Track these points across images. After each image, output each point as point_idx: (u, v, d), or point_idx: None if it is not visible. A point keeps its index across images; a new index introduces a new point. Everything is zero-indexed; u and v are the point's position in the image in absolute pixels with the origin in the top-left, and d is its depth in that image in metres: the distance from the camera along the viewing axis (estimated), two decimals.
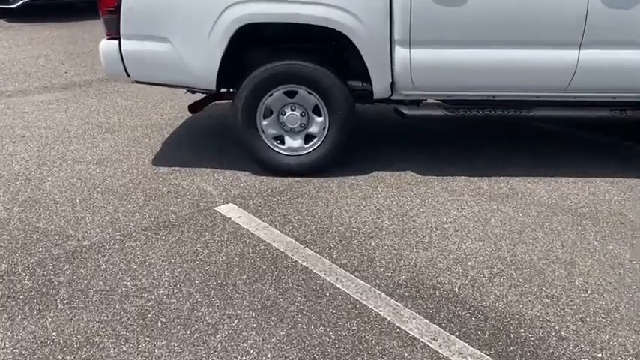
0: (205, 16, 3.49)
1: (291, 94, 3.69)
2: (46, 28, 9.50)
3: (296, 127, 3.75)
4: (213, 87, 3.66)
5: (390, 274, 2.68)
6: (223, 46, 3.51)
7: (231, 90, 4.02)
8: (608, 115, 3.57)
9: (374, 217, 3.24)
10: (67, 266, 2.77)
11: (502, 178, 3.77)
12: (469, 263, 2.76)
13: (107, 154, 4.25)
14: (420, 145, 4.39)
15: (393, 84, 3.63)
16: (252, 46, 3.81)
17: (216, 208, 3.37)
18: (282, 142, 3.80)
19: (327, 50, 3.87)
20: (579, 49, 3.42)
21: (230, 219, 3.24)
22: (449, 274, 2.67)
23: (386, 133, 4.71)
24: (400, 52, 3.52)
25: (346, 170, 3.87)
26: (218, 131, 4.75)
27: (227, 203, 3.44)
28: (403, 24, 3.44)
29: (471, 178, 3.77)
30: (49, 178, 3.81)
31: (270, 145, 3.79)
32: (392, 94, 3.69)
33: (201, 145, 4.43)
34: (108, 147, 4.42)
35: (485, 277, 2.65)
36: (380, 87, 3.62)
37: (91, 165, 4.04)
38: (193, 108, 4.03)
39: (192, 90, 3.84)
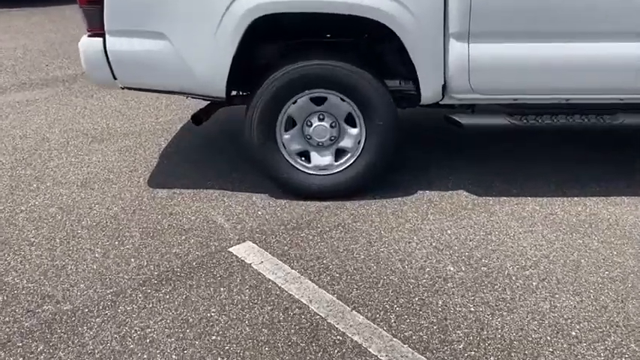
0: (212, 5, 2.76)
1: (318, 100, 2.99)
2: (23, 14, 8.67)
3: (325, 140, 3.05)
4: (223, 94, 2.95)
5: (473, 353, 2.01)
6: (235, 43, 2.80)
7: (241, 93, 3.31)
8: None
9: (432, 261, 2.57)
10: (41, 347, 2.09)
11: (576, 199, 3.10)
12: (572, 333, 2.10)
13: (94, 172, 3.55)
14: (466, 153, 3.70)
15: (444, 86, 2.92)
16: (265, 41, 3.09)
17: (230, 249, 2.69)
18: (308, 159, 3.11)
19: (359, 45, 3.16)
20: None
21: (250, 265, 2.56)
22: (551, 352, 2.01)
23: (423, 137, 4.01)
24: (456, 47, 2.82)
25: (384, 189, 3.19)
26: (225, 138, 4.04)
27: (244, 241, 2.76)
28: (461, 12, 2.73)
29: (538, 198, 3.10)
30: (23, 208, 3.11)
31: (292, 162, 3.09)
32: (442, 98, 2.99)
33: (206, 158, 3.73)
34: (95, 162, 3.71)
35: (600, 355, 1.99)
36: (429, 89, 2.92)
37: (74, 187, 3.34)
38: (197, 119, 3.32)
39: (195, 97, 3.11)
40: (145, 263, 2.59)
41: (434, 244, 2.70)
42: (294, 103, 2.97)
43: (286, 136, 3.05)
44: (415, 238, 2.76)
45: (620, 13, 2.71)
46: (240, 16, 2.73)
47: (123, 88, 3.09)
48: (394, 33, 2.80)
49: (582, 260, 2.54)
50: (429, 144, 3.89)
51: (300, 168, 3.10)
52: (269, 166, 3.08)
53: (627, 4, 2.68)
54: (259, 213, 3.03)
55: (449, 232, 2.80)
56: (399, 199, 3.14)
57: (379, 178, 3.15)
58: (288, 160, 3.09)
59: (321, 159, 3.09)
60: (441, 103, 3.05)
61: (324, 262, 2.58)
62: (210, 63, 2.86)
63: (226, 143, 3.94)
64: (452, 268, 2.50)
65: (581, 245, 2.66)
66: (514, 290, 2.34)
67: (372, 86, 2.89)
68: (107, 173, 3.53)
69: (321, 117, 3.02)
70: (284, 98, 2.94)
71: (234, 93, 3.26)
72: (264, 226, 2.90)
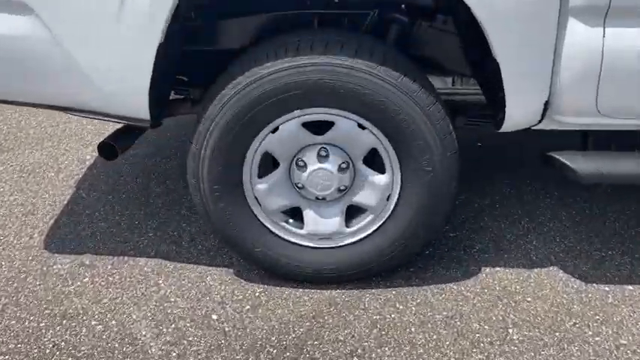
0: None
1: (318, 127, 1.66)
2: None
3: (330, 193, 1.73)
4: (145, 114, 1.62)
5: None
6: (159, 27, 1.45)
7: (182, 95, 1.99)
8: None
9: None
10: None
11: None
12: None
13: None
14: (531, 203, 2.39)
15: (547, 102, 1.60)
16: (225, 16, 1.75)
17: None
18: (300, 220, 1.81)
19: (385, 25, 1.81)
20: None
21: None
22: None
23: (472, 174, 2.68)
24: (580, 33, 1.48)
25: (418, 267, 1.91)
26: (166, 156, 2.72)
27: None
28: None
29: None
30: None
31: (273, 227, 1.80)
32: (539, 122, 1.67)
33: (147, 189, 2.44)
34: None
35: None
36: (521, 107, 1.61)
37: None
38: (108, 150, 1.91)
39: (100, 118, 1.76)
40: None
41: None
42: (273, 131, 1.65)
43: (261, 186, 1.74)
44: None
45: None
46: None
47: None
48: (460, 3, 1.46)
49: None
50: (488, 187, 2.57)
51: (287, 237, 1.81)
52: (233, 236, 1.78)
53: None
54: (213, 320, 1.76)
55: None
56: (454, 284, 1.86)
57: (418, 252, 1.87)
58: (264, 225, 1.79)
59: (322, 222, 1.78)
60: (532, 128, 1.72)
61: None
62: (115, 62, 1.53)
63: (169, 170, 2.62)
64: None
65: None
66: None
67: (415, 103, 1.56)
68: None
69: (323, 153, 1.70)
70: (256, 123, 1.62)
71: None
72: (218, 350, 1.63)
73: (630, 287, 1.85)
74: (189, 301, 1.83)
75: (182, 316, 1.77)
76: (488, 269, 1.95)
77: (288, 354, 1.62)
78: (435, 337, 1.67)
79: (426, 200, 1.69)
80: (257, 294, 1.85)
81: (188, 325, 1.73)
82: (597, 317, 1.73)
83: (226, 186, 1.70)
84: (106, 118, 1.70)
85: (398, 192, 1.71)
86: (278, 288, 1.87)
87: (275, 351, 1.63)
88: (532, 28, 1.48)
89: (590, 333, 1.67)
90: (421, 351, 1.62)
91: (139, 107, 1.59)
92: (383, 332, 1.69)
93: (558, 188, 2.39)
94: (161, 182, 2.52)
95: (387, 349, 1.63)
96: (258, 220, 1.78)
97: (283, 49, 1.54)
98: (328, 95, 1.55)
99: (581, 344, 1.63)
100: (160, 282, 1.92)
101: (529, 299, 1.81)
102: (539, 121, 1.67)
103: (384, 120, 1.58)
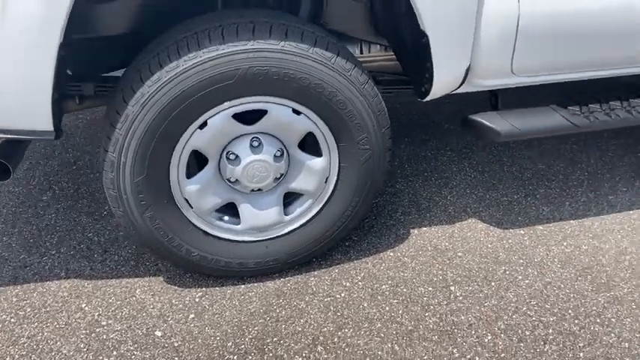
0: None
1: (249, 116, 1.55)
2: None
3: (267, 183, 1.65)
4: (49, 126, 1.38)
5: None
6: (62, 12, 1.22)
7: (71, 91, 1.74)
8: None
9: None
10: None
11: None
12: None
13: None
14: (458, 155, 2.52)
15: (468, 67, 1.65)
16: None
17: None
18: (236, 216, 1.70)
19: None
20: None
21: None
22: None
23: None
24: (496, 1, 1.53)
25: (368, 231, 1.93)
26: (36, 159, 2.40)
27: None
28: None
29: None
30: None
31: (208, 229, 1.67)
32: (461, 85, 1.72)
33: (24, 205, 2.13)
34: None
35: None
36: (448, 76, 1.63)
37: None
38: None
39: None
40: None
41: None
42: (201, 127, 1.50)
43: (191, 187, 1.59)
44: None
45: None
46: None
47: None
48: None
49: None
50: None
51: (224, 235, 1.70)
52: (165, 246, 1.63)
53: None
54: (157, 337, 1.61)
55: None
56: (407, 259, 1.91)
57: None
58: (199, 227, 1.66)
59: (259, 214, 1.69)
60: (453, 93, 1.77)
61: None
62: (9, 73, 1.26)
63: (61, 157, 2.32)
64: None
65: None
66: None
67: (350, 82, 1.51)
68: None
69: (255, 143, 1.59)
70: (182, 121, 1.45)
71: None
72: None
73: (540, 227, 2.05)
74: (123, 321, 1.66)
75: (121, 339, 1.60)
76: (416, 231, 2.03)
77: (250, 357, 1.55)
78: (387, 308, 1.71)
79: (364, 178, 1.68)
80: (197, 299, 1.74)
81: (132, 348, 1.57)
82: (521, 261, 1.89)
83: (153, 193, 1.54)
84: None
85: (336, 174, 1.67)
86: (219, 288, 1.77)
87: (235, 357, 1.56)
88: (457, 1, 1.49)
89: (520, 277, 1.82)
90: (379, 325, 1.65)
91: (42, 119, 1.35)
92: (338, 313, 1.69)
93: (456, 142, 2.53)
94: (45, 189, 2.22)
95: (346, 330, 1.63)
96: (192, 223, 1.64)
97: (205, 36, 1.39)
98: (260, 83, 1.44)
99: (516, 289, 1.78)
100: (83, 306, 1.71)
101: (460, 254, 1.92)
102: (459, 86, 1.72)
103: (321, 103, 1.52)
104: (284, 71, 1.43)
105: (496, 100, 1.86)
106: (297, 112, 1.55)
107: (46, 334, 1.62)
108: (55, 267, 1.85)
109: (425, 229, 2.04)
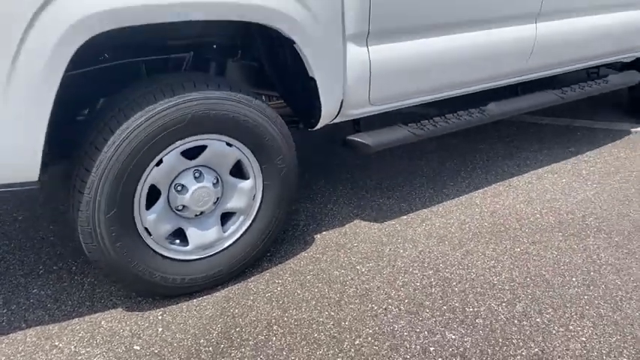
0: None
1: (192, 152, 1.96)
2: None
3: (209, 206, 2.05)
4: (34, 176, 1.65)
5: None
6: (51, 85, 1.55)
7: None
8: (556, 97, 3.02)
9: None
10: None
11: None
12: None
13: None
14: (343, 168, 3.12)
15: (342, 101, 2.28)
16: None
17: None
18: (184, 240, 2.07)
19: (218, 59, 2.22)
20: (536, 22, 2.71)
21: None
22: None
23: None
24: (355, 53, 2.19)
25: (283, 244, 2.39)
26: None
27: None
28: (359, 7, 2.10)
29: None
30: None
31: (164, 252, 2.01)
32: (337, 115, 2.34)
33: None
34: None
35: None
36: (330, 106, 2.23)
37: None
38: None
39: None
40: None
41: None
42: (157, 164, 1.88)
43: (151, 217, 1.93)
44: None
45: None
46: (60, 35, 1.50)
47: None
48: (280, 40, 1.99)
49: None
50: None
51: (177, 256, 2.04)
52: (134, 272, 1.92)
53: None
54: (137, 349, 1.87)
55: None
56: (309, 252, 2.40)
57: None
58: (157, 252, 1.99)
59: (203, 235, 2.08)
60: (331, 123, 2.38)
61: None
62: (2, 132, 1.54)
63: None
64: None
65: None
66: None
67: (265, 117, 2.03)
68: None
69: (196, 174, 2.00)
70: (144, 160, 1.82)
71: None
72: None
73: (404, 216, 2.71)
74: (101, 346, 1.88)
75: (106, 359, 1.83)
76: (318, 235, 2.54)
77: (222, 346, 1.90)
78: (315, 290, 2.17)
79: (282, 192, 2.17)
80: (160, 317, 2.02)
81: None
82: (399, 240, 2.51)
83: (121, 225, 1.85)
84: None
85: (261, 191, 2.14)
86: (174, 305, 2.08)
87: (211, 348, 1.89)
88: (331, 55, 2.11)
89: (401, 251, 2.44)
90: (314, 302, 2.10)
91: (30, 170, 1.62)
92: (280, 301, 2.11)
93: (327, 161, 3.15)
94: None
95: (291, 311, 2.06)
96: (151, 248, 1.96)
97: (160, 91, 1.80)
98: (205, 123, 1.88)
99: (401, 259, 2.37)
100: (57, 343, 1.89)
101: (355, 244, 2.48)
102: (336, 117, 2.33)
103: (248, 135, 2.00)
104: (222, 112, 1.89)
105: (358, 125, 2.51)
106: (229, 144, 2.00)
107: None
108: (13, 321, 1.99)
109: (324, 232, 2.57)
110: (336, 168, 3.21)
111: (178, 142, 1.87)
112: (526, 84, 3.04)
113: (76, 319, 2.01)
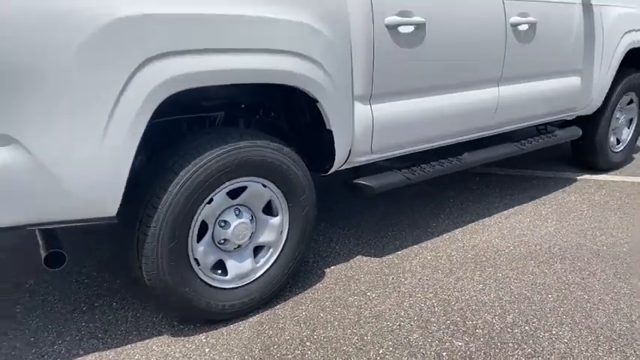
0: (97, 86, 1.78)
1: (234, 192, 2.30)
2: None
3: (245, 240, 2.38)
4: (114, 211, 1.95)
5: None
6: (138, 133, 1.89)
7: None
8: (517, 149, 3.55)
9: None
10: None
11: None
12: None
13: None
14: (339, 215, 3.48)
15: (350, 150, 2.69)
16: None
17: None
18: (224, 271, 2.36)
19: (259, 116, 2.64)
20: (498, 86, 3.27)
21: None
22: None
23: None
24: (361, 110, 2.63)
25: (307, 275, 2.70)
26: None
27: None
28: (365, 73, 2.56)
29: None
30: None
31: (210, 281, 2.30)
32: (345, 163, 2.75)
33: None
34: None
35: None
36: (341, 155, 2.63)
37: None
38: (55, 258, 2.00)
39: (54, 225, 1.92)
40: None
41: None
42: (209, 202, 2.21)
43: (200, 249, 2.24)
44: None
45: (487, 64, 3.06)
46: (148, 92, 1.85)
47: None
48: (300, 100, 2.43)
49: None
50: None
51: (219, 285, 2.33)
52: (188, 299, 2.20)
53: (491, 56, 3.05)
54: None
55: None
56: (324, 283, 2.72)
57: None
58: (204, 281, 2.27)
59: (241, 265, 2.39)
60: (338, 170, 2.78)
61: None
62: (98, 170, 1.84)
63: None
64: None
65: None
66: None
67: (293, 162, 2.40)
68: None
69: (237, 212, 2.33)
70: (200, 198, 2.14)
71: None
72: None
73: (399, 252, 3.09)
74: None
75: None
76: (327, 269, 2.87)
77: None
78: (336, 312, 2.48)
79: (304, 227, 2.52)
80: (204, 340, 2.28)
81: None
82: (399, 270, 2.88)
83: (178, 256, 2.14)
84: (63, 225, 1.91)
85: (287, 226, 2.48)
86: (215, 330, 2.34)
87: None
88: (344, 112, 2.53)
89: (402, 279, 2.80)
90: (336, 322, 2.42)
91: (112, 209, 1.92)
92: (307, 323, 2.41)
93: (328, 207, 3.52)
94: (19, 296, 2.48)
95: (319, 330, 2.36)
96: (199, 277, 2.25)
97: (215, 140, 2.15)
98: (248, 167, 2.23)
99: (404, 285, 2.74)
100: None
101: (362, 275, 2.82)
102: (344, 164, 2.74)
103: (279, 178, 2.35)
104: (261, 158, 2.25)
105: (359, 171, 2.92)
106: (264, 185, 2.35)
107: None
108: (70, 349, 2.19)
109: (333, 267, 2.91)
110: (333, 213, 3.58)
111: (227, 183, 2.21)
112: (491, 138, 3.57)
113: (129, 345, 2.23)
